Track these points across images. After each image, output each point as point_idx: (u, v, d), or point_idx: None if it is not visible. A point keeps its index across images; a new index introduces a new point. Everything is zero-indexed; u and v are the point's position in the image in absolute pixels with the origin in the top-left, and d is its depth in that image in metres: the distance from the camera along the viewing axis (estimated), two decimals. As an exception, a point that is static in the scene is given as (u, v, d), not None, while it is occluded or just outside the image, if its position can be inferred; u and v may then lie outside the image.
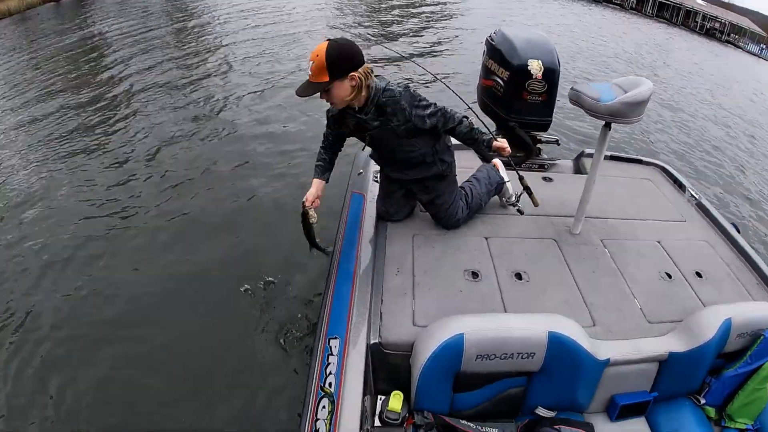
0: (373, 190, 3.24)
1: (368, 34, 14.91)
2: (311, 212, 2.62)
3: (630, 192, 3.71)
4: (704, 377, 2.48)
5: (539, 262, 2.86)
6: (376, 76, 2.49)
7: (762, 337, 2.40)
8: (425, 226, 3.05)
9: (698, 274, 2.90)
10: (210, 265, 4.68)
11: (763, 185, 7.78)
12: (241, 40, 13.86)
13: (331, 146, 2.81)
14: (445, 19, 19.64)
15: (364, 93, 2.45)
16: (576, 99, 2.86)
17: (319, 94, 2.41)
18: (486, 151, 2.71)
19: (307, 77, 2.36)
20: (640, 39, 29.25)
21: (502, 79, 3.57)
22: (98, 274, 4.64)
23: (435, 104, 2.57)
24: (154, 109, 8.82)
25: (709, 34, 59.85)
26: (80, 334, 3.98)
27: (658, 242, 3.13)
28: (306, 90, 2.36)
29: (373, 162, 3.35)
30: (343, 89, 2.39)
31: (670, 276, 2.86)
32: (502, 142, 2.62)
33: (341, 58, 2.31)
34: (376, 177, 3.31)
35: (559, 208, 3.30)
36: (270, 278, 4.45)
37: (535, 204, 3.10)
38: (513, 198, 3.21)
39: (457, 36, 16.04)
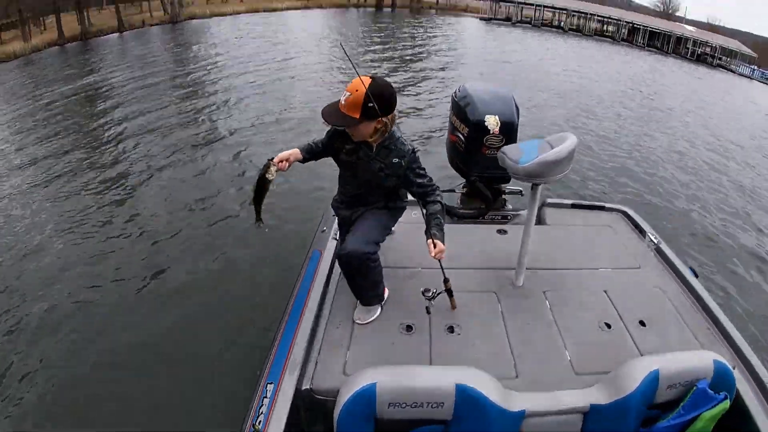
0: (331, 247, 3.34)
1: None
2: (272, 168, 2.60)
3: (586, 240, 3.72)
4: (635, 429, 2.41)
5: (475, 315, 2.89)
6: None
7: (695, 389, 2.33)
8: None
9: (642, 323, 2.88)
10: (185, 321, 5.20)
11: (733, 229, 7.81)
12: (236, 91, 14.72)
13: (318, 150, 2.83)
14: (442, 71, 20.58)
15: (380, 136, 2.55)
16: (501, 162, 2.96)
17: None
18: (429, 232, 2.62)
19: (338, 104, 2.43)
20: (632, 71, 30.71)
21: (463, 134, 3.64)
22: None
23: (430, 178, 2.66)
24: (149, 156, 9.49)
25: (701, 59, 61.49)
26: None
27: (605, 291, 3.11)
28: (334, 118, 2.45)
29: (336, 220, 3.42)
30: (368, 129, 2.49)
31: (609, 326, 2.86)
32: (436, 247, 2.56)
33: (378, 102, 2.37)
34: (335, 235, 3.43)
35: (506, 261, 3.28)
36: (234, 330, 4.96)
37: (453, 307, 2.96)
38: (431, 293, 3.00)
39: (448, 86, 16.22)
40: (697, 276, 3.31)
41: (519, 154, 2.85)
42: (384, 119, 2.47)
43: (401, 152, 2.58)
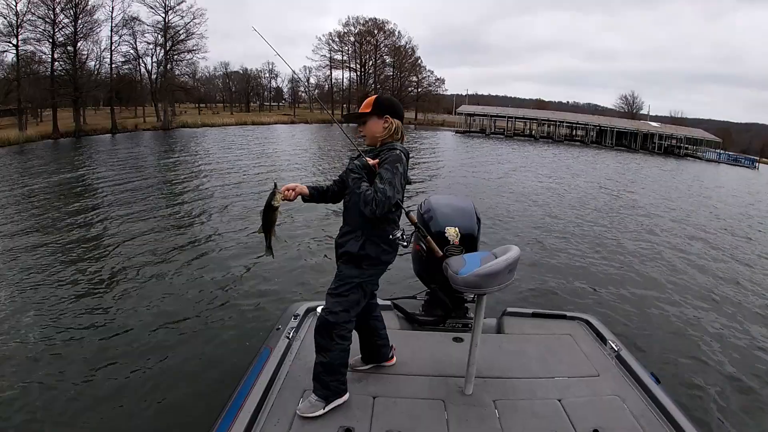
0: (282, 345, 3.30)
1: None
2: (278, 195, 2.74)
3: (545, 349, 3.62)
4: None
5: (418, 423, 2.76)
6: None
7: None
8: None
9: None
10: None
11: (700, 331, 7.54)
12: (217, 197, 14.92)
13: (324, 190, 3.02)
14: (418, 183, 20.23)
15: (387, 135, 2.81)
16: (445, 272, 2.95)
17: (357, 126, 2.91)
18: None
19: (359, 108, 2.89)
20: (603, 172, 31.85)
21: (425, 245, 3.54)
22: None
23: (387, 194, 2.60)
24: (125, 255, 9.39)
25: (668, 151, 64.67)
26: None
27: (559, 400, 3.00)
28: (351, 116, 2.97)
29: (293, 319, 3.60)
30: (378, 126, 2.80)
31: None
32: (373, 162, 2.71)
33: (386, 102, 2.83)
34: (288, 334, 3.43)
35: (458, 369, 3.16)
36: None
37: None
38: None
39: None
40: (659, 382, 3.21)
41: (461, 265, 2.85)
42: (391, 119, 2.78)
43: (386, 156, 2.70)
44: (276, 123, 64.20)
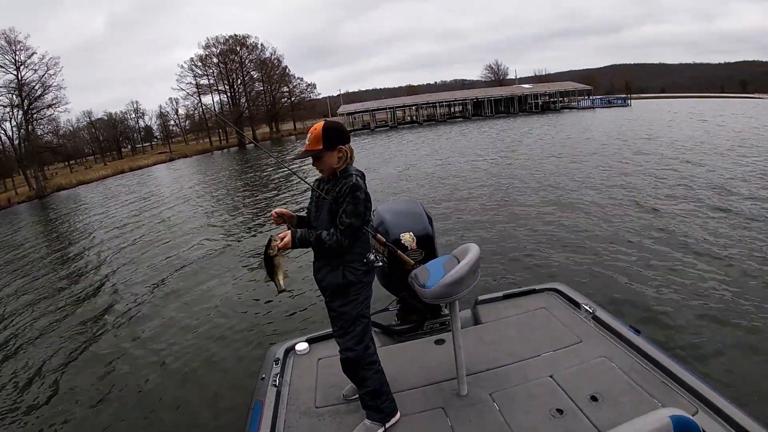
0: (271, 396, 3.24)
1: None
2: (273, 243, 2.72)
3: (523, 329, 3.70)
4: None
5: None
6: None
7: None
8: (322, 427, 3.02)
9: (593, 398, 2.81)
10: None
11: (661, 270, 7.10)
12: (122, 263, 13.14)
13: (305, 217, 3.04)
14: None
15: (344, 163, 2.77)
16: (412, 287, 3.00)
17: (312, 161, 2.81)
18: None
19: (305, 146, 2.78)
20: (489, 140, 31.93)
21: (379, 257, 3.51)
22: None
23: (353, 228, 2.69)
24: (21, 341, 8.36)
25: (545, 108, 66.98)
26: None
27: (551, 377, 3.06)
28: (302, 155, 2.79)
29: (274, 364, 3.58)
30: (332, 159, 2.74)
31: (561, 411, 2.75)
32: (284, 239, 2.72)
33: (333, 132, 2.73)
34: (275, 381, 3.37)
35: (448, 372, 3.21)
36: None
37: None
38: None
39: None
40: (639, 333, 3.31)
41: (426, 277, 2.89)
42: (343, 147, 2.74)
43: (342, 184, 2.71)
44: (155, 164, 59.66)
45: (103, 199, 31.00)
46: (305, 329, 6.49)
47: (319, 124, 2.80)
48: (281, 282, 2.85)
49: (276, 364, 3.60)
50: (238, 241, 13.05)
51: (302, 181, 3.19)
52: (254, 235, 13.50)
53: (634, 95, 70.40)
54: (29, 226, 26.06)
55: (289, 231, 2.75)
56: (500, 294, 4.26)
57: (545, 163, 19.34)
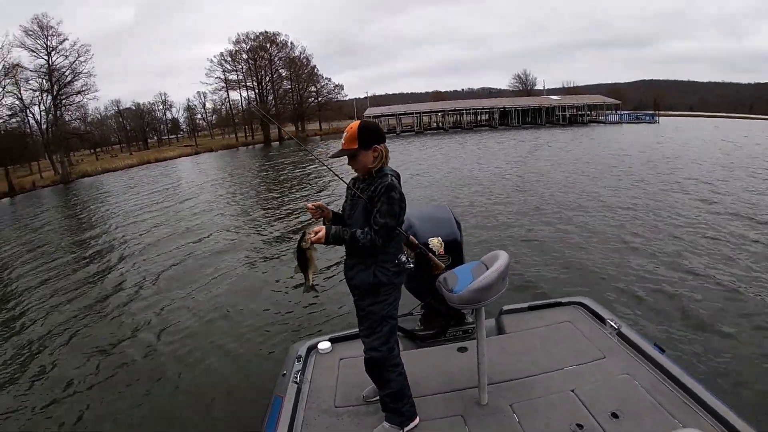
0: (292, 392, 3.28)
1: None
2: (307, 237, 2.73)
3: (547, 341, 3.67)
4: None
5: None
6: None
7: None
8: (340, 426, 3.04)
9: (614, 415, 2.76)
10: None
11: (687, 292, 7.31)
12: (131, 246, 13.77)
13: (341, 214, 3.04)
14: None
15: (379, 163, 2.79)
16: (440, 291, 2.99)
17: (347, 160, 2.82)
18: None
19: (340, 145, 2.79)
20: (516, 150, 31.68)
21: (410, 259, 3.47)
22: None
23: (387, 228, 2.71)
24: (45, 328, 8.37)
25: (572, 121, 66.33)
26: None
27: (572, 391, 3.03)
28: (338, 153, 2.81)
29: (296, 361, 3.61)
30: (368, 158, 2.77)
31: (581, 426, 2.72)
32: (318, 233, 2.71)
33: (369, 131, 2.76)
34: (296, 378, 3.41)
35: (469, 380, 3.20)
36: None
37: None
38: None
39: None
40: (663, 351, 3.29)
41: (454, 282, 2.88)
42: (378, 147, 2.76)
43: (378, 183, 2.73)
44: (180, 156, 60.34)
45: (125, 188, 31.35)
46: (328, 329, 6.53)
47: (355, 123, 2.83)
48: (310, 277, 2.86)
49: (298, 361, 3.63)
50: (263, 236, 13.31)
51: (338, 179, 3.18)
52: (279, 231, 13.66)
53: (662, 112, 69.44)
54: (52, 209, 26.85)
55: (324, 226, 2.74)
56: (525, 305, 4.26)
57: (573, 177, 19.34)
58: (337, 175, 3.30)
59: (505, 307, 4.24)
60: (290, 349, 3.87)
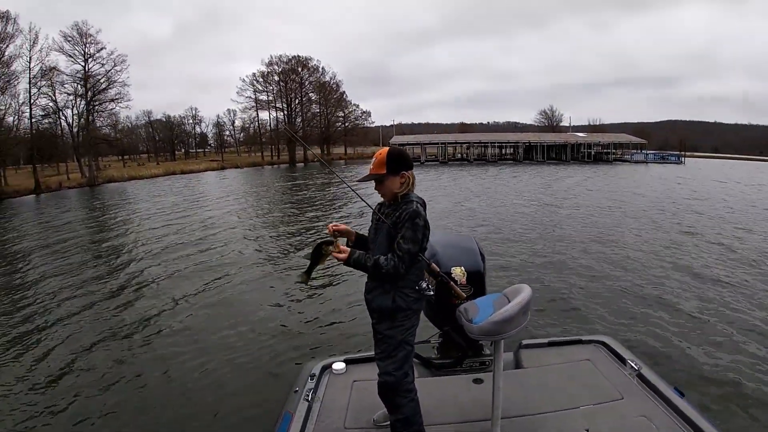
0: (302, 409, 3.27)
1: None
2: (330, 248, 2.73)
3: (565, 379, 3.61)
4: None
5: None
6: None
7: None
8: None
9: None
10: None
11: (712, 336, 7.24)
12: (152, 255, 13.70)
13: (365, 238, 3.06)
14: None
15: (405, 188, 2.83)
16: (459, 321, 2.95)
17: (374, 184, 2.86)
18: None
19: (369, 170, 2.85)
20: (540, 185, 31.50)
21: (434, 288, 3.40)
22: None
23: (411, 254, 2.72)
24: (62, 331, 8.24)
25: (597, 158, 66.29)
26: None
27: (587, 430, 2.98)
28: (366, 178, 2.86)
29: (309, 379, 3.60)
30: (395, 184, 2.80)
31: None
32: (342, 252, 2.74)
33: (397, 157, 2.81)
34: (307, 396, 3.40)
35: (483, 412, 3.14)
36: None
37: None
38: None
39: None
40: (683, 395, 3.22)
41: (474, 312, 2.85)
42: (406, 173, 2.80)
43: (403, 209, 2.74)
44: (206, 170, 61.76)
45: (150, 196, 31.98)
46: (342, 349, 6.58)
47: (384, 149, 2.88)
48: (311, 273, 2.89)
49: (311, 379, 3.61)
50: (283, 253, 13.32)
51: (363, 203, 3.20)
52: (298, 248, 13.63)
53: (687, 153, 69.07)
54: (75, 209, 27.55)
55: (350, 249, 2.76)
56: (545, 341, 4.23)
57: (598, 214, 19.13)
58: (361, 198, 3.32)
59: (525, 342, 4.19)
60: (304, 367, 3.88)
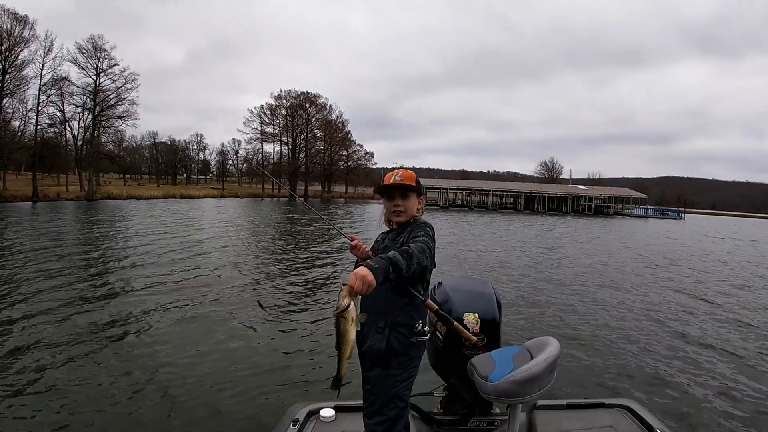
0: None
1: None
2: (342, 293, 2.06)
3: None
4: None
5: None
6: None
7: None
8: None
9: None
10: None
11: (745, 402, 7.01)
12: (140, 276, 12.55)
13: None
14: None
15: (420, 213, 2.76)
16: (470, 376, 2.76)
17: (396, 201, 2.69)
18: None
19: (399, 179, 2.72)
20: (546, 235, 31.00)
21: (441, 333, 3.37)
22: None
23: (426, 247, 2.40)
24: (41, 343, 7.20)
25: (597, 211, 66.77)
26: None
27: None
28: (396, 185, 2.71)
29: (291, 425, 3.22)
30: (415, 204, 2.71)
31: None
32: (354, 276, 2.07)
33: (419, 183, 2.77)
34: None
35: None
36: None
37: None
38: None
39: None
40: None
41: (489, 368, 2.59)
42: (422, 199, 2.78)
43: (413, 224, 2.65)
44: (205, 197, 62.13)
45: (147, 217, 31.44)
46: (331, 394, 5.95)
47: (409, 171, 2.85)
48: (344, 364, 2.23)
49: (293, 425, 3.24)
50: (285, 283, 12.78)
51: (341, 235, 2.91)
52: (296, 280, 13.15)
53: (686, 209, 69.80)
54: (70, 221, 26.92)
55: (361, 265, 2.14)
56: (563, 402, 3.86)
57: (613, 270, 18.53)
58: (340, 232, 3.08)
59: (540, 402, 3.76)
60: (287, 411, 3.48)
